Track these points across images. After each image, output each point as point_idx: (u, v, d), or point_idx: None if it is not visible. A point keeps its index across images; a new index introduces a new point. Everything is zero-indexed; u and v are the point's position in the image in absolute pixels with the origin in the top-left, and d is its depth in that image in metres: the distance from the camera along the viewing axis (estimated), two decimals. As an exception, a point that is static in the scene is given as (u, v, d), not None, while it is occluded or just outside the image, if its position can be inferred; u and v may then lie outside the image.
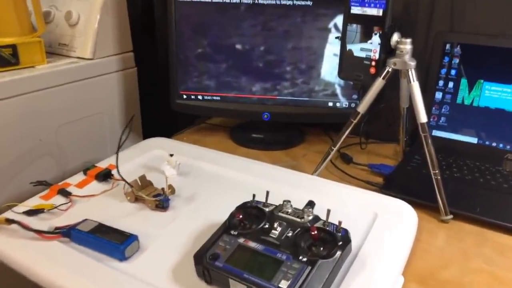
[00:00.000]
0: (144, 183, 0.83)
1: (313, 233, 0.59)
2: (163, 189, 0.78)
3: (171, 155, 0.90)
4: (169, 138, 1.10)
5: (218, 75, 1.13)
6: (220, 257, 0.58)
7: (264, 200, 0.70)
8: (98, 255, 0.67)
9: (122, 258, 0.65)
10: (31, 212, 0.75)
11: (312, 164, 1.01)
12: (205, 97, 1.15)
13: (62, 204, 0.79)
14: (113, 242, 0.66)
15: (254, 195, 0.70)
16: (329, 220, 0.62)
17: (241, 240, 0.61)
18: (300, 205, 0.68)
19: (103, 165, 0.92)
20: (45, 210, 0.76)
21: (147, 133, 1.15)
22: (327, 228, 0.60)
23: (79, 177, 0.90)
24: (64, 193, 0.82)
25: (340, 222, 0.62)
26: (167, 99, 1.18)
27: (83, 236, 0.68)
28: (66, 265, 0.64)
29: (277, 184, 0.84)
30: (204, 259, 0.58)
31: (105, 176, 0.88)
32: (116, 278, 0.61)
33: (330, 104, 1.11)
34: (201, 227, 0.73)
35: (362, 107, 0.85)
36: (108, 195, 0.84)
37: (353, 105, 1.10)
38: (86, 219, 0.72)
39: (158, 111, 1.32)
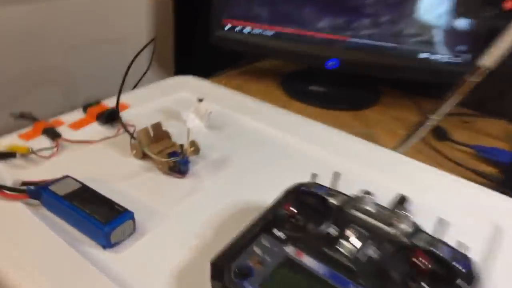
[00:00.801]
0: (158, 134, 0.60)
1: (419, 261, 0.35)
2: (182, 146, 0.55)
3: (200, 100, 0.67)
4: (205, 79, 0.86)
5: (274, 2, 0.86)
6: (253, 274, 0.36)
7: (329, 185, 0.46)
8: (75, 232, 0.46)
9: (106, 244, 0.44)
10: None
11: (390, 135, 0.75)
12: (254, 30, 0.90)
13: (44, 149, 0.58)
14: (94, 218, 0.44)
15: (314, 175, 0.46)
16: (436, 234, 0.38)
17: (290, 250, 0.38)
18: (381, 197, 0.43)
19: (111, 103, 0.70)
20: (17, 155, 0.56)
21: (181, 73, 0.91)
22: (441, 255, 0.36)
23: (76, 115, 0.68)
24: (51, 133, 0.61)
25: (461, 245, 0.37)
26: (207, 31, 0.93)
27: (56, 202, 0.47)
28: (20, 244, 0.43)
29: (346, 161, 0.59)
30: (227, 274, 0.36)
31: (109, 117, 0.66)
32: (90, 276, 0.40)
33: (424, 55, 0.82)
34: (229, 210, 0.50)
35: (491, 60, 0.57)
36: (109, 144, 0.62)
37: (456, 60, 0.80)
38: (67, 176, 0.51)
39: (196, 46, 1.08)
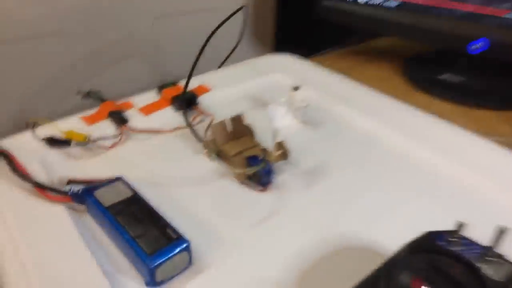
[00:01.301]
0: (239, 130, 0.47)
1: None
2: (265, 150, 0.42)
3: (296, 88, 0.52)
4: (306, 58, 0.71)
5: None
6: None
7: (489, 242, 0.29)
8: (117, 255, 0.36)
9: (150, 282, 0.33)
10: (51, 141, 0.47)
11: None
12: (372, 0, 0.72)
13: (105, 137, 0.49)
14: (138, 245, 0.33)
15: (460, 225, 0.29)
16: None
17: None
18: None
19: (192, 84, 0.59)
20: (71, 143, 0.47)
21: (279, 50, 0.77)
22: None
23: (150, 96, 0.58)
24: (117, 118, 0.52)
25: None
26: (311, 0, 0.78)
27: (99, 213, 0.37)
28: (47, 259, 0.34)
29: (497, 187, 0.41)
30: None
31: (185, 102, 0.55)
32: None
33: None
34: (326, 247, 0.36)
35: None
36: (181, 137, 0.51)
37: None
38: (119, 178, 0.41)
39: (299, 18, 0.93)
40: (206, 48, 0.51)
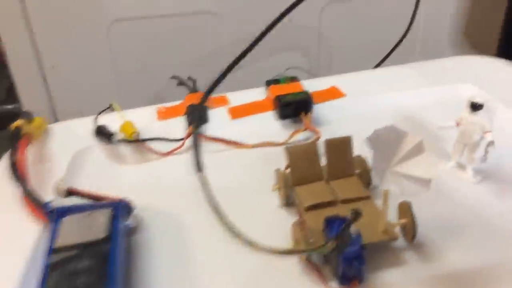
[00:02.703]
0: (340, 166, 0.28)
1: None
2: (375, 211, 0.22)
3: (477, 106, 0.29)
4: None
5: None
6: None
7: None
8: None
9: None
10: (98, 132, 0.37)
11: None
12: None
13: (163, 139, 0.36)
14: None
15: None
16: None
17: None
18: None
19: (319, 84, 0.42)
20: (112, 136, 0.36)
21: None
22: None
23: (256, 93, 0.43)
24: (193, 116, 0.39)
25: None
26: None
27: (46, 252, 0.24)
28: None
29: None
30: None
31: (295, 108, 0.38)
32: None
33: None
34: None
35: None
36: (263, 156, 0.34)
37: None
38: (119, 203, 0.27)
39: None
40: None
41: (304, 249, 0.20)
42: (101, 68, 0.64)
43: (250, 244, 0.19)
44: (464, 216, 0.28)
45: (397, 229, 0.25)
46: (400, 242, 0.26)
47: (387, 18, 0.61)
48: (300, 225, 0.24)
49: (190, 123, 0.37)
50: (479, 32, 0.67)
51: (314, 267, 0.24)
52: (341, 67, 0.48)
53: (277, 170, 0.29)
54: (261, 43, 0.48)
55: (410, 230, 0.25)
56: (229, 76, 0.41)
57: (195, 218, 0.29)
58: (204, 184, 0.24)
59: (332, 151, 0.28)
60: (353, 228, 0.22)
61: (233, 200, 0.30)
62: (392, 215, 0.25)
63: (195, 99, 0.41)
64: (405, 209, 0.25)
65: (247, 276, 0.25)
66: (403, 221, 0.25)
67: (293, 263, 0.25)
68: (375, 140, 0.22)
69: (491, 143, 0.29)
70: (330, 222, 0.24)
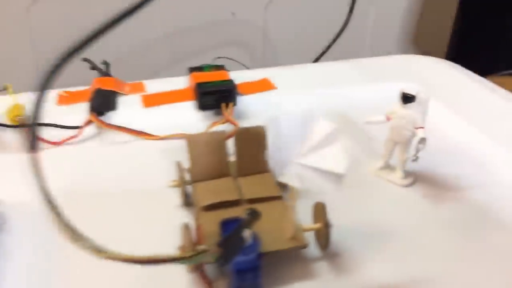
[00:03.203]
0: (249, 160, 0.24)
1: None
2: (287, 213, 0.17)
3: (408, 98, 0.25)
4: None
5: None
6: None
7: None
8: None
9: None
10: None
11: None
12: None
13: (62, 126, 0.31)
14: None
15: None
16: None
17: None
18: None
19: (253, 75, 0.38)
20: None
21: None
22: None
23: (178, 82, 0.39)
24: (98, 103, 0.34)
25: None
26: None
27: None
28: None
29: None
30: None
31: (218, 97, 0.34)
32: None
33: None
34: None
35: None
36: (172, 149, 0.30)
37: None
38: None
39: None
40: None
41: (174, 257, 0.16)
42: (21, 48, 0.58)
43: (95, 250, 0.14)
44: (390, 223, 0.24)
45: (309, 235, 0.21)
46: (313, 251, 0.22)
47: (331, 15, 0.58)
48: (187, 229, 0.19)
49: (92, 109, 0.33)
50: (429, 33, 0.66)
51: (205, 280, 0.20)
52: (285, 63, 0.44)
53: (179, 163, 0.25)
54: (204, 36, 0.44)
55: (323, 237, 0.21)
56: (168, 70, 0.37)
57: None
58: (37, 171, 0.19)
59: (243, 143, 0.24)
60: (248, 233, 0.18)
61: (126, 198, 0.26)
62: (308, 219, 0.22)
63: (104, 83, 0.36)
64: (319, 211, 0.21)
65: (123, 290, 0.20)
66: (316, 225, 0.21)
67: (182, 275, 0.20)
68: (276, 125, 0.18)
69: (422, 140, 0.25)
70: (227, 226, 0.20)
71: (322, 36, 0.57)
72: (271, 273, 0.20)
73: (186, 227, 0.19)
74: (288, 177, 0.18)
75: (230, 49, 0.63)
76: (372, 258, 0.22)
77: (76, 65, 0.44)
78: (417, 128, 0.26)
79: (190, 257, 0.16)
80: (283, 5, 0.62)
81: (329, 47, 0.50)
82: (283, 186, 0.23)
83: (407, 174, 0.28)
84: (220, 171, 0.24)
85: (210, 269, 0.20)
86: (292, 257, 0.21)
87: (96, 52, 0.43)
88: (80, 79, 0.38)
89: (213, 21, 0.61)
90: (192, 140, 0.23)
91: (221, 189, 0.23)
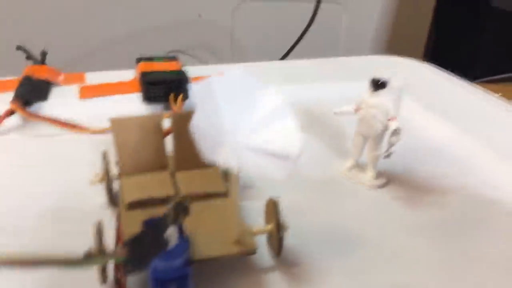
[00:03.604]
0: (188, 152, 0.19)
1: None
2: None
3: (379, 84, 0.22)
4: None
5: None
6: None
7: None
8: None
9: None
10: None
11: None
12: None
13: None
14: None
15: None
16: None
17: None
18: None
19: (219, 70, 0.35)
20: None
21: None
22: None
23: (126, 74, 0.35)
24: (25, 89, 0.29)
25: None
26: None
27: None
28: None
29: None
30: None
31: (163, 88, 0.30)
32: None
33: None
34: None
35: None
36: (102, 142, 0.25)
37: None
38: None
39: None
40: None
41: (59, 259, 0.11)
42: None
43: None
44: (357, 229, 0.21)
45: (261, 240, 0.17)
46: (265, 258, 0.18)
47: (298, 17, 0.56)
48: (98, 230, 0.15)
49: (17, 97, 0.28)
50: (406, 34, 0.64)
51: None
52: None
53: (104, 153, 0.20)
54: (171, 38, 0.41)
55: (275, 241, 0.17)
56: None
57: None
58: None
59: (183, 130, 0.20)
60: (172, 232, 0.14)
61: (44, 195, 0.21)
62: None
63: (36, 72, 0.31)
64: (271, 210, 0.17)
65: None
66: (267, 227, 0.17)
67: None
68: (206, 90, 0.15)
69: (395, 132, 0.22)
70: (151, 226, 0.16)
71: (291, 37, 0.54)
72: (210, 286, 0.16)
73: (98, 226, 0.15)
74: (223, 157, 0.14)
75: (197, 51, 0.60)
76: (335, 267, 0.18)
77: (12, 55, 0.39)
78: (389, 119, 0.23)
79: (84, 260, 0.12)
80: (250, 8, 0.60)
81: (294, 45, 0.47)
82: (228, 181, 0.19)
83: (379, 174, 0.24)
84: (155, 163, 0.20)
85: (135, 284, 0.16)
86: (237, 266, 0.17)
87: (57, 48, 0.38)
88: (18, 70, 0.34)
89: (179, 21, 0.58)
90: (118, 123, 0.19)
91: (152, 184, 0.19)
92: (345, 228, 0.21)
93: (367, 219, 0.21)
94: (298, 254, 0.18)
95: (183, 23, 0.59)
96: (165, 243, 0.13)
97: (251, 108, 0.14)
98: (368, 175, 0.24)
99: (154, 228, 0.13)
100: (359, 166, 0.25)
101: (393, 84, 0.23)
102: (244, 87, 0.14)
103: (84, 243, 0.15)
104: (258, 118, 0.14)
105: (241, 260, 0.17)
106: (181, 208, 0.13)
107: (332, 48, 0.60)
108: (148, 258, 0.13)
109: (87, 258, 0.12)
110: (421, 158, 0.27)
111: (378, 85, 0.22)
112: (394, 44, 0.62)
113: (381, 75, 0.23)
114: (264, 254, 0.18)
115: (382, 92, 0.23)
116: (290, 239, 0.17)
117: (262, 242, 0.18)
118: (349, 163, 0.25)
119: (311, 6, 0.56)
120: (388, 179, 0.24)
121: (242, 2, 0.60)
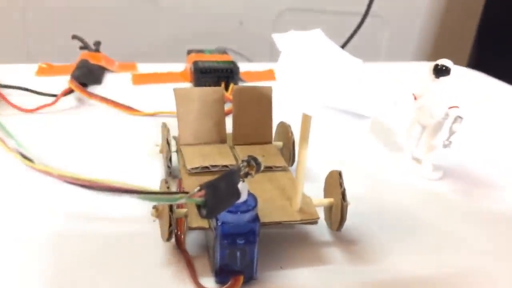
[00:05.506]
0: (252, 128, 0.20)
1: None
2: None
3: (443, 70, 0.22)
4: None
5: None
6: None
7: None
8: None
9: None
10: None
11: None
12: None
13: (36, 92, 0.28)
14: None
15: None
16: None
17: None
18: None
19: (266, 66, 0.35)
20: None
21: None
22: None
23: (177, 67, 0.36)
24: (82, 72, 0.31)
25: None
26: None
27: None
28: None
29: None
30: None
31: (214, 76, 0.30)
32: None
33: None
34: None
35: None
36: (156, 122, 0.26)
37: None
38: None
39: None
40: None
41: (142, 190, 0.12)
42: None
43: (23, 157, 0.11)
44: (417, 216, 0.20)
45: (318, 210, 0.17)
46: (323, 230, 0.18)
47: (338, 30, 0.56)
48: (165, 184, 0.15)
49: (74, 77, 0.29)
50: (449, 44, 0.64)
51: (184, 254, 0.16)
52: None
53: (164, 124, 0.21)
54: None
55: (337, 214, 0.17)
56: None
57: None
58: None
59: (244, 104, 0.21)
60: (242, 186, 0.14)
61: (99, 168, 0.22)
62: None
63: (92, 57, 0.33)
64: (333, 181, 0.17)
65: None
66: (328, 200, 0.17)
67: (159, 252, 0.16)
68: (289, 40, 0.15)
69: (458, 119, 0.22)
70: (226, 175, 0.16)
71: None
72: (268, 251, 0.16)
73: (164, 182, 0.16)
74: (305, 106, 0.14)
75: (236, 58, 0.61)
76: (393, 249, 0.18)
77: (66, 44, 0.41)
78: (451, 107, 0.22)
79: (163, 193, 0.12)
80: (291, 18, 0.61)
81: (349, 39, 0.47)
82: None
83: (436, 167, 0.24)
84: (214, 135, 0.20)
85: (190, 245, 0.16)
86: (296, 238, 0.17)
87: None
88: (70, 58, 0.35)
89: (220, 27, 0.60)
90: (181, 94, 0.20)
91: (213, 154, 0.19)
92: (405, 214, 0.20)
93: (426, 208, 0.21)
94: (357, 232, 0.18)
95: (223, 29, 0.61)
96: (237, 194, 0.13)
97: (332, 66, 0.14)
98: (425, 168, 0.24)
99: (228, 178, 0.13)
100: (415, 159, 0.25)
101: (458, 72, 0.22)
102: (325, 45, 0.15)
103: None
104: (338, 76, 0.14)
105: (301, 232, 0.17)
106: (254, 163, 0.14)
107: (374, 60, 0.60)
108: (222, 205, 0.13)
109: (168, 193, 0.13)
110: (477, 154, 0.26)
111: (441, 71, 0.22)
112: (436, 54, 0.62)
113: (445, 62, 0.23)
114: (323, 228, 0.18)
115: (445, 79, 0.22)
116: (349, 218, 0.17)
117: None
118: (405, 155, 0.25)
119: (351, 19, 0.57)
120: (445, 172, 0.24)
121: (283, 12, 0.61)
